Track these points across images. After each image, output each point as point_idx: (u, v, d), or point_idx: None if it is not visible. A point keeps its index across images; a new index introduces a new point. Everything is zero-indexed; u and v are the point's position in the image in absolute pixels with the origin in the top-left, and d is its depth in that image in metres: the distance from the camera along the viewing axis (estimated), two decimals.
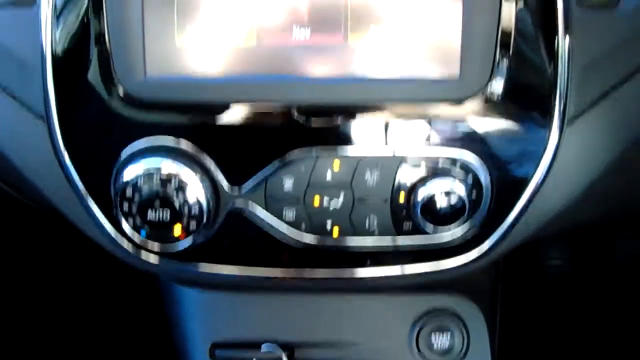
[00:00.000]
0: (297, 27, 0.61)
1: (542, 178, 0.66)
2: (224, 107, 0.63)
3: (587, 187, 0.70)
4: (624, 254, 1.05)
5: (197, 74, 0.62)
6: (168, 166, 0.62)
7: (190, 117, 0.63)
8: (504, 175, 0.65)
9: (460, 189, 0.63)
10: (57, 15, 0.63)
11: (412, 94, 0.62)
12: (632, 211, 0.85)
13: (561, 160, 0.66)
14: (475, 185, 0.64)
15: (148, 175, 0.62)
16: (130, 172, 0.62)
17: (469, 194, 0.64)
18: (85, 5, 0.62)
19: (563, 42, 0.63)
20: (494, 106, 0.63)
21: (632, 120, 0.70)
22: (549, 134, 0.65)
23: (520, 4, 0.62)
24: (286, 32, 0.61)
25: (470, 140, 0.64)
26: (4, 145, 0.69)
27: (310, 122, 0.63)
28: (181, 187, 0.62)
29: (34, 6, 0.64)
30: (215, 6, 0.61)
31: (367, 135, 0.63)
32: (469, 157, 0.64)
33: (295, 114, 0.63)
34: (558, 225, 0.73)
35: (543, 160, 0.65)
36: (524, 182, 0.66)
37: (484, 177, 0.64)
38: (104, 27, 0.62)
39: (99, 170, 0.64)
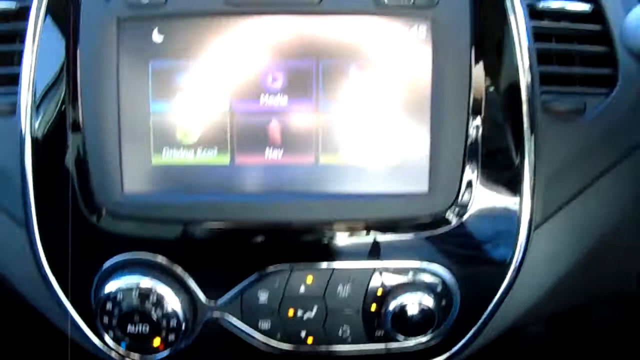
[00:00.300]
0: (270, 148, 0.63)
1: (509, 283, 0.68)
2: (200, 224, 0.65)
3: (555, 286, 0.72)
4: (600, 322, 1.06)
5: (173, 192, 0.64)
6: (146, 282, 0.64)
7: (167, 233, 0.65)
8: (473, 284, 0.67)
9: (429, 301, 0.65)
10: (38, 127, 0.65)
11: (383, 211, 0.64)
12: (603, 299, 0.88)
13: (528, 264, 0.68)
14: (444, 295, 0.66)
15: (127, 290, 0.63)
16: (110, 287, 0.64)
17: (439, 304, 0.66)
18: (64, 125, 0.64)
19: (529, 154, 0.65)
20: (462, 219, 0.65)
21: (595, 223, 0.72)
22: (517, 241, 0.67)
23: (488, 121, 0.64)
24: (259, 152, 0.64)
25: (440, 253, 0.66)
26: None
27: (284, 239, 0.65)
28: (159, 302, 0.64)
29: (14, 116, 0.66)
30: (189, 127, 0.63)
31: (339, 249, 0.66)
32: (439, 268, 0.66)
33: (269, 231, 0.65)
34: (527, 321, 0.75)
35: (511, 266, 0.67)
36: (493, 289, 0.68)
37: (454, 287, 0.66)
38: (83, 147, 0.64)
39: (80, 282, 0.66)
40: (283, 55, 0.62)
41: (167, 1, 0.62)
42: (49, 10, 0.65)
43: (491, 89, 0.65)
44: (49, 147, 0.65)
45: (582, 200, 0.70)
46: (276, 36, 0.62)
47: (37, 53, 0.65)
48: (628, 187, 0.72)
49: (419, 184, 0.64)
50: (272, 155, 0.64)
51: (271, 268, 0.65)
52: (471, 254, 0.67)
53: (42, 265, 0.66)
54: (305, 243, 0.65)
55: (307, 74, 0.63)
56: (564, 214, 0.70)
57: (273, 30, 0.62)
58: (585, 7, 0.71)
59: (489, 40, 0.64)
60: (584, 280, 0.74)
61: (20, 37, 0.69)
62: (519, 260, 0.67)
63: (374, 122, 0.64)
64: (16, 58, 0.69)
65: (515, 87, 0.65)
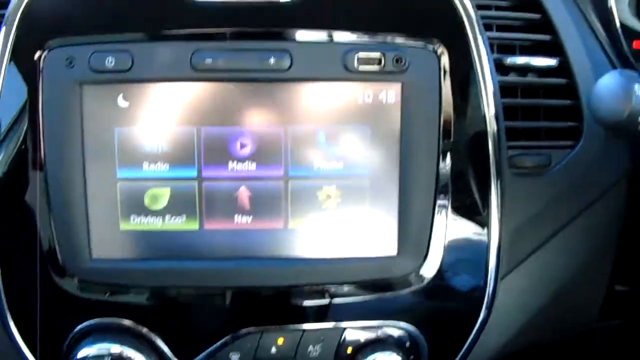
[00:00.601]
0: (239, 214, 0.63)
1: (476, 334, 0.69)
2: (170, 290, 0.65)
3: (520, 332, 0.74)
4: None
5: (142, 258, 0.64)
6: (117, 348, 0.64)
7: (137, 299, 0.65)
8: (441, 338, 0.68)
9: (398, 357, 0.66)
10: (2, 191, 0.64)
11: (352, 275, 0.65)
12: (565, 335, 0.90)
13: (494, 315, 0.69)
14: (413, 350, 0.67)
15: (98, 357, 0.63)
16: (81, 353, 0.64)
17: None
18: (30, 190, 0.63)
19: (496, 211, 0.66)
20: (430, 277, 0.66)
21: (557, 271, 0.74)
22: (484, 294, 0.68)
23: (455, 182, 0.65)
24: (228, 218, 0.63)
25: (407, 310, 0.67)
26: None
27: (255, 303, 0.65)
28: None
29: None
30: (157, 193, 0.63)
31: (309, 311, 0.66)
32: (407, 325, 0.67)
33: (240, 295, 0.65)
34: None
35: (478, 319, 0.69)
36: (461, 342, 0.69)
37: (422, 343, 0.68)
38: (50, 213, 0.63)
39: (49, 348, 0.65)
40: (251, 122, 0.62)
41: (132, 67, 0.61)
42: (8, 75, 0.62)
43: (459, 150, 0.65)
44: (14, 213, 0.64)
45: (545, 251, 0.72)
46: (244, 103, 0.62)
47: None
48: (588, 236, 0.74)
49: (388, 248, 0.65)
50: (241, 220, 0.64)
51: (242, 331, 0.65)
52: (439, 309, 0.68)
53: (11, 331, 0.65)
54: (276, 306, 0.65)
55: (276, 140, 0.62)
56: (528, 264, 0.72)
57: (241, 96, 0.62)
58: (551, 61, 0.72)
59: (457, 101, 0.64)
60: (547, 323, 0.77)
61: None
62: (485, 312, 0.69)
63: (343, 187, 0.64)
64: None
65: (482, 146, 0.65)
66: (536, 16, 0.72)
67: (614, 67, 0.76)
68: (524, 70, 0.72)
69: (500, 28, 0.72)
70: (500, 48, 0.72)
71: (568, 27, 0.73)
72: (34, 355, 0.66)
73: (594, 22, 0.77)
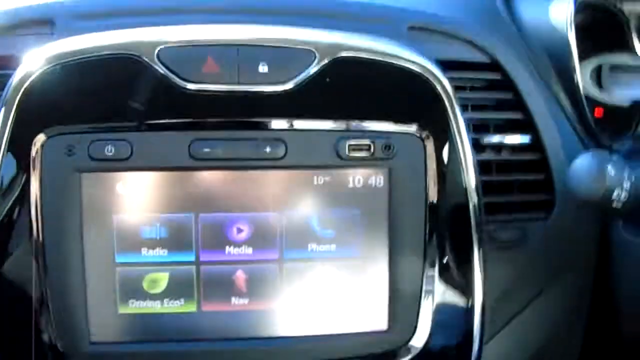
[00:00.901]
0: (236, 296, 0.65)
1: None
2: None
3: None
4: None
5: (140, 340, 0.65)
6: None
7: None
8: None
9: None
10: None
11: (347, 350, 0.67)
12: None
13: None
14: None
15: None
16: None
17: None
18: (27, 274, 0.63)
19: (480, 283, 0.69)
20: (419, 349, 0.69)
21: (535, 335, 0.78)
22: None
23: (441, 257, 0.68)
24: (226, 300, 0.65)
25: None
26: None
27: None
28: None
29: None
30: (156, 278, 0.65)
31: None
32: None
33: None
34: None
35: None
36: None
37: None
38: (48, 296, 0.63)
39: None
40: (248, 208, 0.64)
41: (131, 155, 0.63)
42: (5, 161, 0.63)
43: (443, 225, 0.68)
44: (10, 296, 0.64)
45: (524, 318, 0.76)
46: (241, 189, 0.64)
47: None
48: (562, 301, 0.78)
49: (379, 323, 0.68)
50: (238, 302, 0.66)
51: None
52: None
53: None
54: None
55: (271, 225, 0.65)
56: (508, 330, 0.76)
57: (237, 183, 0.64)
58: (524, 139, 0.76)
59: (440, 180, 0.68)
60: None
61: None
62: None
63: (335, 268, 0.67)
64: None
65: (465, 224, 0.68)
66: (508, 96, 0.77)
67: (580, 138, 0.81)
68: (498, 148, 0.76)
69: (474, 108, 0.76)
70: (475, 127, 0.76)
71: (539, 105, 0.77)
72: None
73: (559, 93, 0.81)
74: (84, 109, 0.63)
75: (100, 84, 0.64)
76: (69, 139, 0.63)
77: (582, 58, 0.82)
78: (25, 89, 0.62)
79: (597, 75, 0.89)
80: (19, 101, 0.62)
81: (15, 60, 0.65)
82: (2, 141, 0.62)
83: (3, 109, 0.62)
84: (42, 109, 0.63)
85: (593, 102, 0.85)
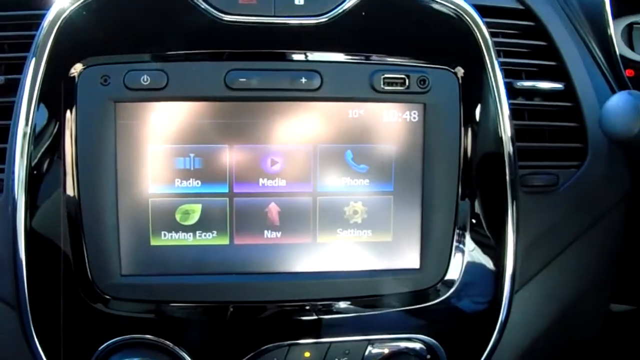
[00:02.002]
0: (269, 229, 0.65)
1: (493, 345, 0.71)
2: (199, 305, 0.65)
3: (533, 343, 0.77)
4: None
5: (171, 273, 0.65)
6: None
7: (165, 315, 0.65)
8: (460, 349, 0.70)
9: None
10: (32, 208, 0.63)
11: (377, 288, 0.67)
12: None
13: (509, 328, 0.72)
14: None
15: None
16: None
17: None
18: (60, 207, 0.64)
19: (512, 227, 0.69)
20: (450, 291, 0.69)
21: (566, 286, 0.77)
22: (499, 308, 0.70)
23: (474, 197, 0.68)
24: (258, 234, 0.65)
25: (428, 323, 0.69)
26: None
27: (283, 317, 0.66)
28: None
29: (1, 195, 0.65)
30: (189, 209, 0.64)
31: (335, 324, 0.67)
32: (427, 338, 0.69)
33: (268, 310, 0.66)
34: None
35: (494, 331, 0.71)
36: (478, 353, 0.71)
37: (441, 354, 0.69)
38: (81, 230, 0.63)
39: None
40: (282, 140, 0.64)
41: (166, 85, 0.63)
42: (43, 88, 0.63)
43: (477, 167, 0.68)
44: (43, 229, 0.64)
45: (553, 268, 0.75)
46: (275, 121, 0.64)
47: (31, 133, 0.63)
48: (592, 253, 0.77)
49: (411, 261, 0.67)
50: (271, 235, 0.65)
51: (270, 345, 0.66)
52: (458, 321, 0.70)
53: (36, 349, 0.65)
54: (303, 320, 0.67)
55: (305, 158, 0.65)
56: (540, 278, 0.75)
57: (272, 115, 0.64)
58: (558, 85, 0.75)
59: (475, 121, 0.67)
60: (556, 335, 0.79)
61: (4, 112, 0.67)
62: (501, 324, 0.71)
63: (368, 203, 0.66)
64: None
65: (499, 164, 0.68)
66: (542, 43, 0.76)
67: (613, 89, 0.80)
68: (530, 94, 0.76)
69: (508, 54, 0.76)
70: (508, 72, 0.75)
71: (572, 53, 0.77)
72: None
73: (593, 46, 0.81)
74: (121, 40, 0.63)
75: (137, 16, 0.64)
76: (104, 69, 0.63)
77: (615, 16, 0.81)
78: (61, 20, 0.62)
79: (629, 37, 0.88)
80: (57, 30, 0.62)
81: None
82: (39, 69, 0.63)
83: (40, 41, 0.63)
84: (79, 38, 0.63)
85: (624, 62, 0.84)
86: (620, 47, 0.84)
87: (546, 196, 0.74)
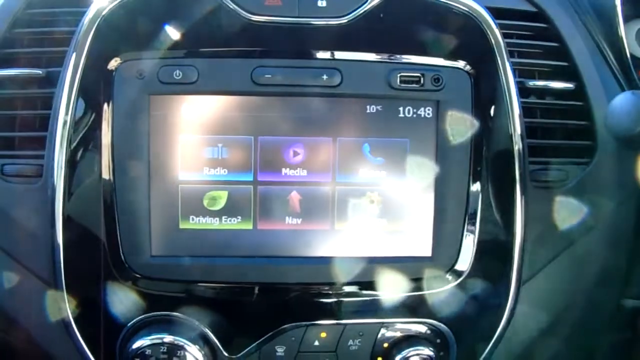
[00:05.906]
0: (290, 216, 0.70)
1: (500, 334, 0.75)
2: (224, 285, 0.70)
3: (541, 334, 0.80)
4: None
5: (198, 255, 0.69)
6: (171, 338, 0.69)
7: (191, 294, 0.70)
8: (469, 336, 0.74)
9: (429, 353, 0.72)
10: (68, 192, 0.68)
11: (391, 273, 0.71)
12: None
13: (516, 318, 0.75)
14: (443, 347, 0.73)
15: (154, 346, 0.68)
16: (137, 343, 0.68)
17: (437, 356, 0.72)
18: (95, 190, 0.68)
19: (520, 219, 0.72)
20: (460, 279, 0.72)
21: (572, 279, 0.80)
22: (507, 297, 0.74)
23: (484, 190, 0.71)
24: (280, 220, 0.70)
25: (439, 310, 0.73)
26: (11, 306, 0.74)
27: (302, 299, 0.71)
28: (184, 357, 0.68)
29: (39, 180, 0.70)
30: (216, 196, 0.69)
31: (351, 307, 0.72)
32: (438, 324, 0.73)
33: (288, 292, 0.71)
34: None
35: (502, 320, 0.74)
36: (487, 340, 0.75)
37: (451, 340, 0.73)
38: (115, 213, 0.68)
39: (106, 340, 0.70)
40: (304, 132, 0.69)
41: (197, 80, 0.67)
42: (82, 81, 0.67)
43: (488, 161, 0.71)
44: (79, 212, 0.69)
45: (564, 259, 0.78)
46: (298, 115, 0.69)
47: (71, 121, 0.68)
48: (600, 248, 0.80)
49: (423, 249, 0.71)
50: (292, 222, 0.70)
51: (289, 325, 0.71)
52: (467, 309, 0.73)
53: (70, 324, 0.69)
54: (321, 302, 0.71)
55: (326, 149, 0.69)
56: (547, 271, 0.78)
57: (295, 109, 0.68)
58: (569, 85, 0.79)
59: (486, 119, 0.71)
60: (564, 327, 0.83)
61: (44, 103, 0.72)
62: (509, 313, 0.74)
63: (384, 193, 0.70)
64: (37, 122, 0.72)
65: (509, 158, 0.71)
66: (554, 44, 0.80)
67: (623, 90, 0.82)
68: (542, 93, 0.79)
69: (520, 54, 0.79)
70: (520, 72, 0.78)
71: (583, 55, 0.80)
72: (90, 348, 0.70)
73: (605, 49, 0.84)
74: (155, 37, 0.68)
75: (170, 15, 0.68)
76: (140, 64, 0.68)
77: (628, 19, 0.84)
78: (100, 18, 0.67)
79: None
80: (97, 26, 0.67)
81: None
82: (80, 65, 0.67)
83: (81, 37, 0.67)
84: (117, 34, 0.68)
85: (635, 62, 0.87)
86: (632, 47, 0.86)
87: (556, 191, 0.77)
